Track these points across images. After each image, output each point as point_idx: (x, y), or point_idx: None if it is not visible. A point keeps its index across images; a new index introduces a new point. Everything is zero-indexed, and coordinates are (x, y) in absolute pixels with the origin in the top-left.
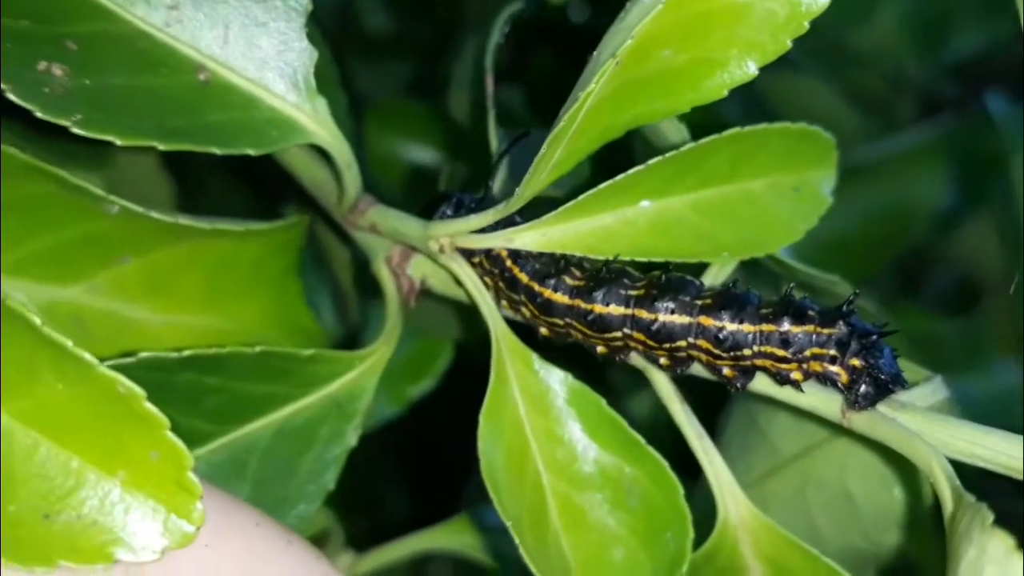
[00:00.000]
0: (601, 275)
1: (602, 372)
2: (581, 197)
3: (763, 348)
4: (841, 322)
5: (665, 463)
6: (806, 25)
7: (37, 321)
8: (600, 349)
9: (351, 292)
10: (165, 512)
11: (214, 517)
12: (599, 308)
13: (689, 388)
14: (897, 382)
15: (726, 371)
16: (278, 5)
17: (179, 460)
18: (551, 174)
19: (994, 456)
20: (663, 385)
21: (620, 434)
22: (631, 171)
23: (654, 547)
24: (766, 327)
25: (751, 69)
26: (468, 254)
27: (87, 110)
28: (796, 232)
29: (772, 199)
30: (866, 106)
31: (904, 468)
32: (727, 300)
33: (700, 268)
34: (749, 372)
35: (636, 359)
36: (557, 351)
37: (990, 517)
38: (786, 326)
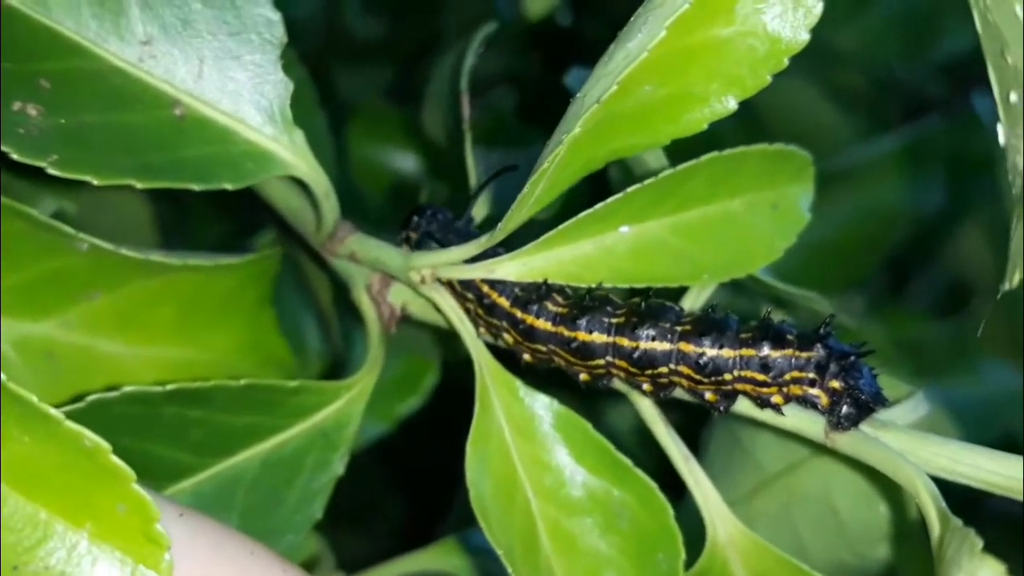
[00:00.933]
0: (584, 303)
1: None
2: (561, 227)
3: (743, 373)
4: (819, 344)
5: (654, 485)
6: (785, 61)
7: (2, 377)
8: (583, 376)
9: (332, 316)
10: (133, 564)
11: (207, 547)
12: (582, 336)
13: (671, 403)
14: (877, 401)
15: (708, 395)
16: (253, 38)
17: (146, 512)
18: (532, 209)
19: (976, 473)
20: (646, 408)
21: (607, 458)
22: (610, 199)
23: (646, 569)
24: (745, 352)
25: (731, 104)
26: (449, 284)
27: (63, 150)
28: (775, 251)
29: (751, 218)
30: (853, 107)
31: (889, 482)
32: (706, 325)
33: (681, 290)
34: (731, 396)
35: (618, 383)
36: (540, 376)
37: (979, 543)
38: (765, 350)
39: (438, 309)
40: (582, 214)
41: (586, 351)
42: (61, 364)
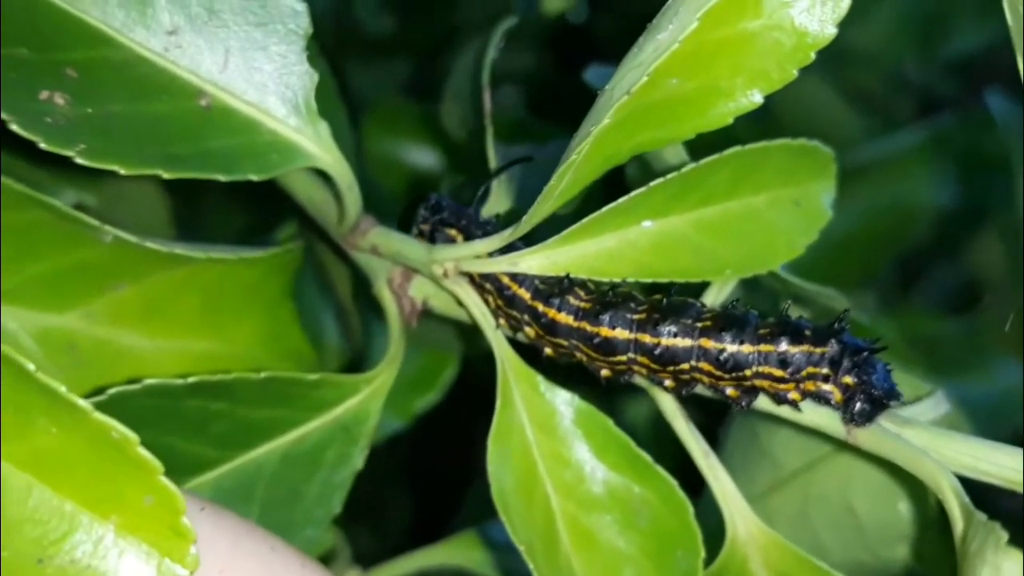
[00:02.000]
0: (607, 298)
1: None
2: (584, 220)
3: (762, 368)
4: (833, 340)
5: (674, 482)
6: (812, 56)
7: (31, 367)
8: (604, 372)
9: (352, 309)
10: (159, 557)
11: (228, 542)
12: (605, 331)
13: (689, 400)
14: (892, 397)
15: (729, 391)
16: (279, 28)
17: (173, 505)
18: (557, 202)
19: (999, 471)
20: (667, 403)
21: (627, 454)
22: (633, 193)
23: (665, 567)
24: (764, 347)
25: (756, 98)
26: (471, 278)
27: (90, 139)
28: (797, 248)
29: (773, 214)
30: (865, 105)
31: (907, 481)
32: (727, 321)
33: (702, 285)
34: (752, 391)
35: (640, 380)
36: (561, 370)
37: (1004, 536)
38: (783, 346)
39: (460, 303)
40: (606, 208)
41: (608, 347)
42: (83, 356)
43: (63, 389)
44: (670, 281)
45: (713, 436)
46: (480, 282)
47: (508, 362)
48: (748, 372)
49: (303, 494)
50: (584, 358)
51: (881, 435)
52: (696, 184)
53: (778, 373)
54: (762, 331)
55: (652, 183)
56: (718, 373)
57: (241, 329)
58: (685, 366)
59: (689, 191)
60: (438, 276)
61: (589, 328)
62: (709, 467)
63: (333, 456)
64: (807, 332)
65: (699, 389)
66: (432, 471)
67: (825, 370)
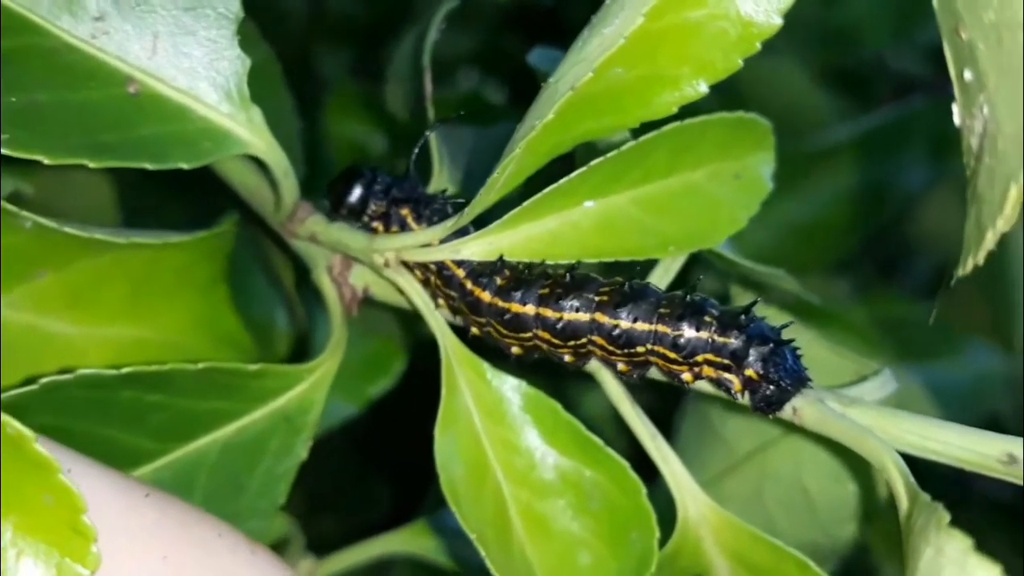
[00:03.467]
0: (522, 276)
1: (553, 377)
2: (525, 204)
3: (656, 347)
4: (735, 331)
5: (625, 464)
6: (758, 46)
7: None
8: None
9: (295, 297)
10: (59, 556)
11: (172, 528)
12: (516, 307)
13: (643, 387)
14: (799, 384)
15: (621, 366)
16: (208, 13)
17: (73, 503)
18: (500, 192)
19: (946, 449)
20: (612, 387)
21: (578, 438)
22: (574, 174)
23: (620, 549)
24: (660, 327)
25: (702, 88)
26: (412, 267)
27: (14, 129)
28: (738, 221)
29: (714, 188)
30: (840, 86)
31: (858, 461)
32: (623, 297)
33: (649, 266)
34: (644, 366)
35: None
36: (495, 354)
37: (946, 517)
38: (681, 328)
39: (401, 291)
40: (546, 190)
41: (517, 323)
42: (8, 344)
43: None
44: (615, 260)
45: (667, 423)
46: (438, 285)
47: (451, 349)
48: (641, 349)
49: (246, 485)
50: (546, 347)
51: (827, 415)
52: (636, 162)
53: (671, 355)
54: (662, 310)
55: (592, 163)
56: (610, 348)
57: (172, 315)
58: (583, 340)
59: (629, 169)
60: (379, 265)
61: (501, 304)
62: (657, 449)
63: (276, 446)
64: (707, 318)
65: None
66: (398, 459)
67: (726, 360)
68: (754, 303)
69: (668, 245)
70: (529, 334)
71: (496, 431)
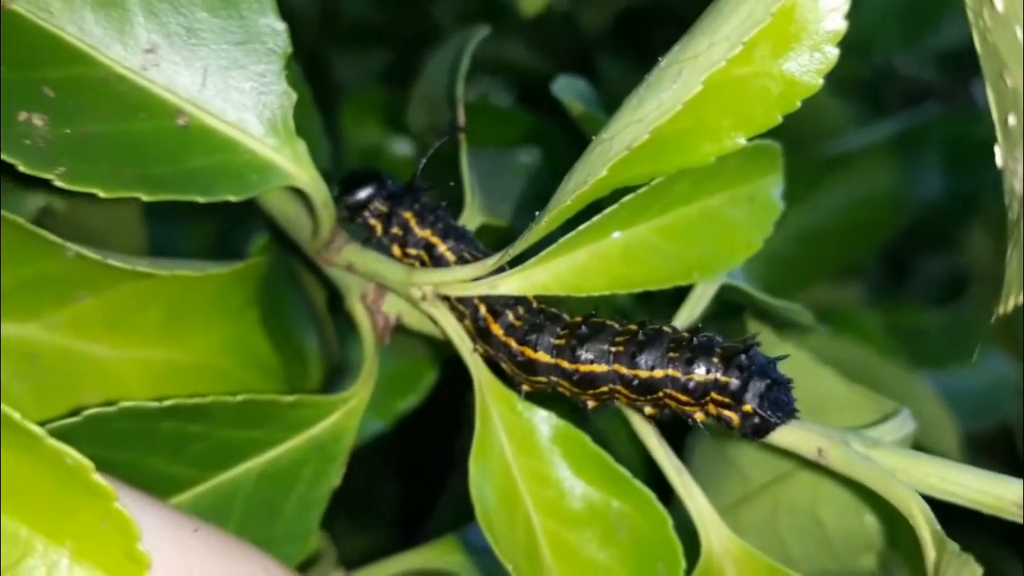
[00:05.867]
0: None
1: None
2: (561, 240)
3: (671, 391)
4: (737, 369)
5: (652, 495)
6: (798, 104)
7: None
8: (525, 388)
9: (327, 320)
10: None
11: (219, 564)
12: (529, 353)
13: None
14: (789, 417)
15: (648, 409)
16: (258, 47)
17: (128, 530)
18: (540, 234)
19: (965, 492)
20: (638, 421)
21: (605, 470)
22: (607, 212)
23: None
24: (672, 372)
25: (740, 140)
26: (448, 300)
27: (70, 161)
28: (754, 243)
29: (730, 211)
30: (852, 94)
31: (874, 495)
32: (639, 345)
33: (677, 301)
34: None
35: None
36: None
37: (979, 570)
38: (692, 372)
39: (435, 322)
40: (581, 228)
41: (530, 368)
42: (46, 366)
43: (17, 415)
44: (644, 290)
45: (679, 449)
46: (457, 306)
47: (484, 383)
48: (660, 394)
49: (281, 511)
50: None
51: (852, 457)
52: (661, 193)
53: (683, 397)
54: (672, 354)
55: (624, 200)
56: (633, 396)
57: (204, 338)
58: (604, 389)
59: (654, 200)
60: (416, 298)
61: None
62: (683, 484)
63: (310, 474)
64: (716, 357)
65: None
66: (415, 466)
67: (728, 400)
68: (755, 341)
69: (690, 270)
70: (544, 379)
71: (527, 463)
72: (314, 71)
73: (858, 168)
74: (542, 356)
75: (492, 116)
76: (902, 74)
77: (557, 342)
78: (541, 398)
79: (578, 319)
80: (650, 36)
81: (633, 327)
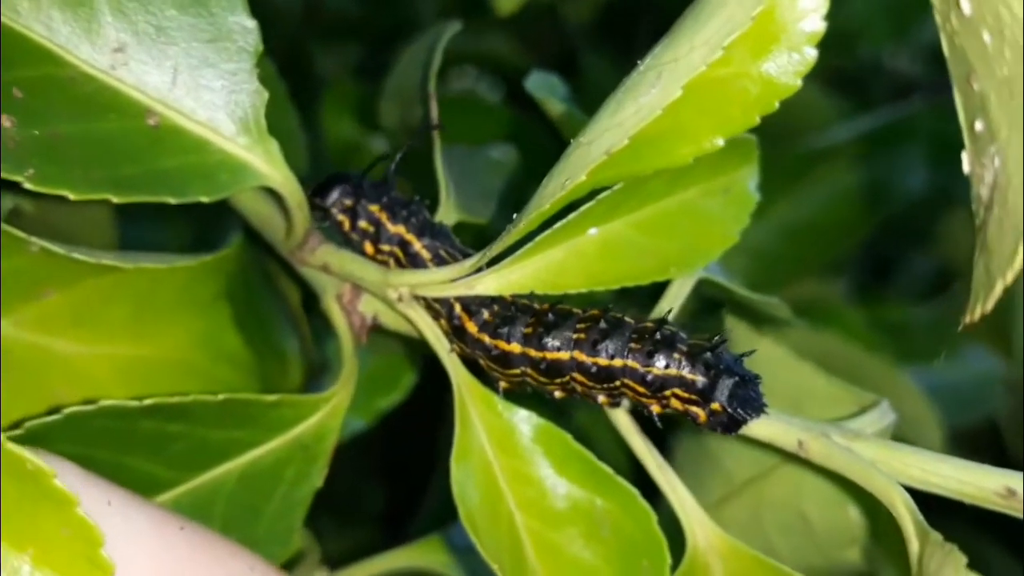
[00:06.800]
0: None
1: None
2: (538, 239)
3: (627, 380)
4: (704, 367)
5: (636, 492)
6: (776, 104)
7: None
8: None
9: (302, 319)
10: None
11: (205, 562)
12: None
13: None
14: (758, 414)
15: (601, 397)
16: (228, 46)
17: (91, 536)
18: (516, 236)
19: (946, 482)
20: (621, 419)
21: (588, 467)
22: (583, 208)
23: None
24: (631, 363)
25: (718, 142)
26: (425, 301)
27: (39, 163)
28: (731, 236)
29: (705, 204)
30: (839, 87)
31: (857, 487)
32: (602, 333)
33: (656, 296)
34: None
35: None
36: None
37: (963, 560)
38: (655, 364)
39: (411, 323)
40: (557, 225)
41: (504, 361)
42: (15, 364)
43: None
44: (622, 287)
45: (663, 446)
46: (432, 305)
47: (463, 383)
48: (617, 383)
49: (263, 512)
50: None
51: (833, 449)
52: (638, 188)
53: (640, 388)
54: (633, 345)
55: (600, 196)
56: (585, 380)
57: (172, 333)
58: (566, 378)
59: (630, 196)
60: (392, 300)
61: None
62: (666, 480)
63: (292, 474)
64: (678, 353)
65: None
66: (398, 464)
67: (694, 396)
68: (723, 339)
69: (667, 265)
70: (517, 371)
71: (508, 462)
72: (296, 65)
73: (842, 162)
74: (515, 347)
75: (472, 111)
76: (888, 68)
77: (526, 331)
78: (521, 397)
79: (545, 306)
80: (634, 29)
81: (595, 312)
